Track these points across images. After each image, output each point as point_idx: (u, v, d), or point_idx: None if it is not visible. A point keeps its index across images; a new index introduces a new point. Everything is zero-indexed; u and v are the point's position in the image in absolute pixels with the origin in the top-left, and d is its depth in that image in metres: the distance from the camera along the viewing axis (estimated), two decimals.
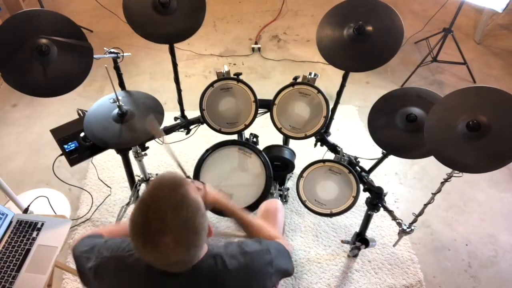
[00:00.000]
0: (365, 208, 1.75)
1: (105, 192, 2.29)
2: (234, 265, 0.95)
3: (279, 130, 1.75)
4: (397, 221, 1.61)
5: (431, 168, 2.46)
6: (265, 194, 1.68)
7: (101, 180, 2.33)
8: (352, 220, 2.19)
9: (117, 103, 1.50)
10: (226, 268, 0.94)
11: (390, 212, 1.63)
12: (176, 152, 2.50)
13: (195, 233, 0.86)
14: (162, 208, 0.83)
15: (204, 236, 0.89)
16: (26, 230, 1.52)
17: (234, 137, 1.82)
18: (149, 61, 3.27)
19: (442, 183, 1.44)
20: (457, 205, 2.31)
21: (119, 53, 1.66)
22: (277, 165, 1.91)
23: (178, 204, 0.84)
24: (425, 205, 1.55)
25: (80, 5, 3.85)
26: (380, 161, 1.75)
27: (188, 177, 1.31)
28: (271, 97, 1.73)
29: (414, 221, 1.59)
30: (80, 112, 1.74)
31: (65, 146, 1.61)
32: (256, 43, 3.44)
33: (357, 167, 1.77)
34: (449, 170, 1.34)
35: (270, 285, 1.00)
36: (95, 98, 1.70)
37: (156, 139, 1.68)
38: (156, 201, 0.84)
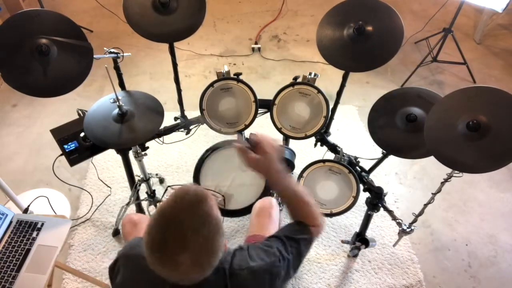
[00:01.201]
0: (365, 208, 1.75)
1: (105, 192, 2.29)
2: (235, 282, 0.92)
3: (279, 130, 1.75)
4: (397, 221, 1.61)
5: (431, 168, 2.46)
6: (265, 194, 1.68)
7: (101, 180, 2.33)
8: (352, 220, 2.19)
9: (117, 103, 1.50)
10: (226, 285, 0.92)
11: (390, 212, 1.63)
12: (176, 152, 2.51)
13: (213, 253, 0.84)
14: (184, 226, 0.80)
15: (220, 255, 0.87)
16: (26, 230, 1.52)
17: (234, 137, 1.82)
18: (149, 61, 3.27)
19: (442, 183, 1.44)
20: (457, 205, 2.31)
21: (119, 53, 1.66)
22: None
23: (200, 223, 0.81)
24: (425, 205, 1.56)
25: (80, 5, 3.85)
26: (380, 161, 1.75)
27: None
28: (271, 97, 1.73)
29: (414, 221, 1.59)
30: (80, 112, 1.74)
31: (65, 146, 1.61)
32: (256, 43, 3.44)
33: (357, 167, 1.77)
34: (449, 170, 1.34)
35: (280, 284, 0.98)
36: (95, 98, 1.70)
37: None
38: (178, 218, 0.81)
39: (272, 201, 1.57)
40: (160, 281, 0.87)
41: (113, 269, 1.03)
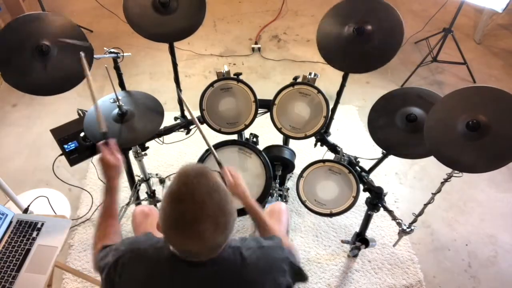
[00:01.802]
0: (365, 208, 1.75)
1: None
2: (252, 257, 0.97)
3: (279, 130, 1.75)
4: (397, 221, 1.61)
5: (431, 168, 2.47)
6: (265, 194, 1.68)
7: (101, 180, 2.31)
8: (352, 220, 2.19)
9: (117, 103, 1.50)
10: (244, 259, 0.96)
11: (390, 212, 1.63)
12: (176, 152, 2.51)
13: (230, 215, 0.88)
14: (197, 196, 0.84)
15: (235, 220, 0.91)
16: (26, 230, 1.52)
17: (234, 137, 1.82)
18: (149, 61, 3.27)
19: (442, 183, 1.44)
20: (457, 205, 2.31)
21: (119, 53, 1.66)
22: (277, 165, 1.91)
23: (210, 189, 0.86)
24: (425, 205, 1.56)
25: (80, 5, 3.85)
26: (380, 161, 1.75)
27: (219, 163, 1.37)
28: (271, 97, 1.73)
29: (414, 221, 1.59)
30: (80, 112, 1.74)
31: (65, 146, 1.61)
32: (256, 43, 3.44)
33: (357, 167, 1.77)
34: (449, 170, 1.34)
35: (284, 283, 1.01)
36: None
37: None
38: (190, 190, 0.84)
39: (282, 206, 1.58)
40: (172, 260, 0.91)
41: (115, 268, 0.99)
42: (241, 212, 1.67)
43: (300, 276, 1.09)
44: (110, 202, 1.19)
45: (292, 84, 1.69)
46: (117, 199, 1.22)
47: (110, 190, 1.20)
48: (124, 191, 2.29)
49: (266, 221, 1.24)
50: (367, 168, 1.80)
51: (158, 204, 2.17)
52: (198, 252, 0.90)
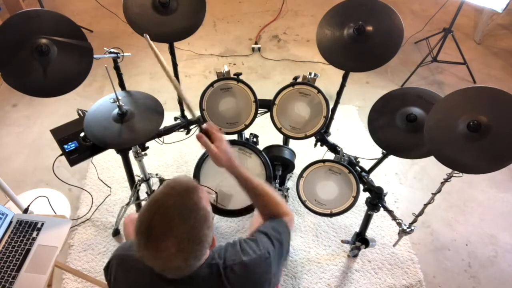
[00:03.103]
0: (365, 208, 1.75)
1: (105, 192, 2.29)
2: (231, 278, 0.92)
3: (279, 130, 1.75)
4: (397, 221, 1.61)
5: (431, 168, 2.46)
6: None
7: (101, 180, 2.33)
8: (352, 220, 2.19)
9: (117, 103, 1.50)
10: (221, 281, 0.91)
11: (390, 212, 1.63)
12: (176, 152, 2.51)
13: (198, 244, 0.85)
14: (171, 213, 0.82)
15: (206, 247, 0.88)
16: (26, 230, 1.52)
17: (234, 137, 1.82)
18: (149, 61, 3.27)
19: (442, 183, 1.44)
20: (457, 205, 2.31)
21: (119, 53, 1.66)
22: (277, 165, 1.91)
23: (187, 211, 0.83)
24: (425, 205, 1.56)
25: (80, 5, 3.85)
26: (380, 161, 1.75)
27: (199, 119, 1.19)
28: (271, 97, 1.73)
29: (414, 221, 1.59)
30: (80, 112, 1.73)
31: (65, 146, 1.61)
32: (256, 43, 3.44)
33: (357, 167, 1.77)
34: (449, 170, 1.34)
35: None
36: (95, 98, 1.70)
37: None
38: (166, 204, 0.83)
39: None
40: (155, 280, 0.88)
41: (107, 270, 1.04)
42: (242, 212, 1.68)
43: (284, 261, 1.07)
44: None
45: (292, 84, 1.69)
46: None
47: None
48: (124, 191, 2.29)
49: (266, 191, 1.10)
50: (367, 168, 1.81)
51: None
52: (158, 267, 0.86)
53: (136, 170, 1.95)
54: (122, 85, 1.81)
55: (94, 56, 1.49)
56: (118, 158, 1.83)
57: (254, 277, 0.96)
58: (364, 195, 1.71)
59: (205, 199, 0.89)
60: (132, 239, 1.16)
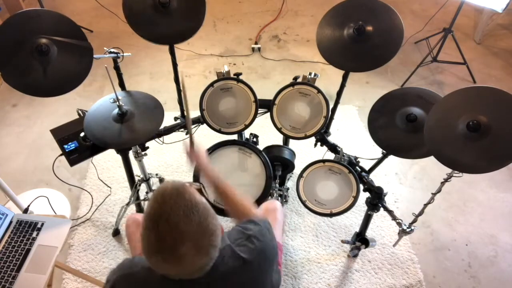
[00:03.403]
0: (365, 208, 1.75)
1: (105, 192, 2.29)
2: (245, 252, 0.96)
3: (279, 130, 1.75)
4: (397, 221, 1.61)
5: (431, 168, 2.46)
6: (265, 194, 1.68)
7: (101, 180, 2.33)
8: (352, 220, 2.19)
9: (117, 103, 1.50)
10: (240, 257, 0.95)
11: (390, 212, 1.63)
12: (176, 152, 2.51)
13: (211, 234, 0.85)
14: (173, 218, 0.81)
15: (220, 234, 0.89)
16: (26, 230, 1.52)
17: (234, 137, 1.82)
18: (149, 61, 3.27)
19: (442, 183, 1.44)
20: (457, 205, 2.31)
21: (119, 53, 1.66)
22: (277, 165, 1.91)
23: (187, 210, 0.82)
24: (425, 205, 1.55)
25: (80, 5, 3.85)
26: (380, 161, 1.75)
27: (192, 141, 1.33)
28: (271, 97, 1.73)
29: (414, 221, 1.59)
30: (80, 112, 1.73)
31: (65, 146, 1.61)
32: (256, 43, 3.44)
33: (357, 167, 1.77)
34: (449, 170, 1.34)
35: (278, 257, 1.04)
36: (95, 98, 1.70)
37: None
38: (164, 214, 0.82)
39: (277, 205, 1.58)
40: (164, 282, 0.88)
41: None
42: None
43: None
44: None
45: (292, 84, 1.69)
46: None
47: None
48: (124, 191, 2.29)
49: (236, 197, 1.20)
50: (367, 168, 1.81)
51: None
52: (185, 274, 0.87)
53: (136, 170, 1.95)
54: (122, 85, 1.81)
55: (94, 56, 1.49)
56: (118, 158, 1.83)
57: (264, 244, 1.01)
58: (364, 195, 1.71)
59: (196, 193, 0.88)
60: (134, 244, 1.16)
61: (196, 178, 1.72)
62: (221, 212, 1.66)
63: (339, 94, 1.80)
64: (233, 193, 1.21)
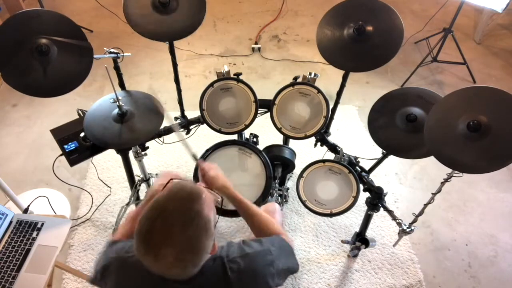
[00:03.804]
0: (365, 208, 1.75)
1: (105, 192, 2.29)
2: (234, 269, 0.94)
3: (279, 130, 1.75)
4: (397, 221, 1.61)
5: (431, 168, 2.46)
6: (265, 194, 1.68)
7: (101, 180, 2.33)
8: (352, 220, 2.19)
9: (117, 103, 1.50)
10: (226, 274, 0.93)
11: (390, 212, 1.63)
12: (176, 152, 2.51)
13: (197, 253, 0.84)
14: (170, 220, 0.81)
15: (205, 256, 0.87)
16: (26, 230, 1.52)
17: (234, 137, 1.82)
18: (149, 61, 3.27)
19: (442, 183, 1.44)
20: (457, 205, 2.31)
21: (119, 53, 1.66)
22: (277, 165, 1.91)
23: (188, 220, 0.82)
24: (425, 205, 1.55)
25: (80, 5, 3.85)
26: (380, 161, 1.75)
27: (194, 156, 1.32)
28: (271, 97, 1.73)
29: (414, 221, 1.59)
30: (80, 112, 1.74)
31: (65, 146, 1.61)
32: (256, 43, 3.44)
33: (357, 167, 1.77)
34: (449, 170, 1.34)
35: (273, 285, 0.99)
36: (95, 98, 1.70)
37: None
38: (167, 211, 0.82)
39: (275, 206, 1.58)
40: (149, 273, 0.87)
41: (102, 277, 0.99)
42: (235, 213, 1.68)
43: (290, 272, 1.07)
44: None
45: (292, 84, 1.69)
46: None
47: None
48: (124, 191, 2.29)
49: (256, 212, 1.16)
50: (367, 168, 1.81)
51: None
52: (159, 274, 0.85)
53: (136, 170, 1.95)
54: (122, 85, 1.81)
55: (94, 56, 1.49)
56: (118, 158, 1.83)
57: (257, 268, 0.97)
58: (364, 195, 1.71)
59: (208, 205, 0.87)
60: (121, 233, 1.15)
61: (196, 178, 1.72)
62: (221, 212, 1.66)
63: (339, 94, 1.80)
64: (256, 212, 1.17)
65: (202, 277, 0.90)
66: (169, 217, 0.81)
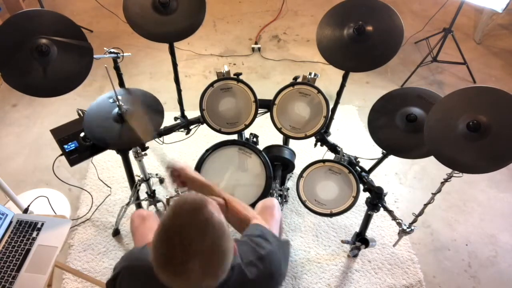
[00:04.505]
0: (365, 208, 1.75)
1: (105, 192, 2.29)
2: (254, 273, 0.95)
3: (279, 130, 1.75)
4: (397, 221, 1.61)
5: (431, 168, 2.46)
6: (265, 194, 1.68)
7: (101, 180, 2.33)
8: (352, 220, 2.19)
9: (117, 103, 1.50)
10: (247, 278, 0.93)
11: (390, 212, 1.63)
12: (176, 152, 2.51)
13: (222, 257, 0.83)
14: (186, 236, 0.79)
15: (231, 257, 0.86)
16: (26, 230, 1.52)
17: (234, 137, 1.82)
18: (149, 61, 3.27)
19: (442, 183, 1.44)
20: (457, 205, 2.31)
21: (119, 53, 1.66)
22: (277, 165, 1.91)
23: (201, 230, 0.81)
24: (425, 205, 1.55)
25: (80, 5, 3.85)
26: (380, 161, 1.75)
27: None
28: (271, 97, 1.73)
29: (414, 221, 1.59)
30: (80, 112, 1.74)
31: (65, 146, 1.61)
32: (256, 43, 3.44)
33: (357, 167, 1.77)
34: (449, 170, 1.34)
35: (283, 279, 1.02)
36: (95, 98, 1.70)
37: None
38: (178, 228, 0.80)
39: (274, 202, 1.58)
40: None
41: (114, 284, 1.00)
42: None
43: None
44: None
45: (292, 84, 1.69)
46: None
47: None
48: (124, 191, 2.29)
49: (232, 199, 1.19)
50: (367, 168, 1.81)
51: (158, 204, 2.17)
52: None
53: (136, 170, 1.95)
54: (122, 85, 1.81)
55: (94, 56, 1.49)
56: (118, 158, 1.83)
57: (273, 270, 0.99)
58: (364, 195, 1.71)
59: (216, 211, 0.86)
60: (138, 238, 1.15)
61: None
62: None
63: (339, 94, 1.80)
64: (234, 200, 1.19)
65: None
66: (182, 234, 0.79)
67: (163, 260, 0.80)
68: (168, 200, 2.02)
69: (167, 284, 0.82)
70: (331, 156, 1.81)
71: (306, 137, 1.73)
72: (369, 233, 2.02)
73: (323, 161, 1.70)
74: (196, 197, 0.86)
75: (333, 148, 1.84)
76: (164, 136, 1.90)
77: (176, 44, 1.70)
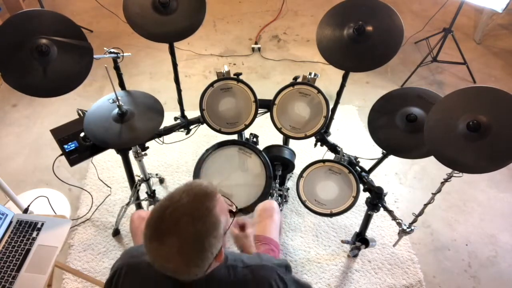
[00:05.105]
0: (365, 208, 1.75)
1: (105, 192, 2.29)
2: (253, 276, 0.96)
3: (279, 130, 1.75)
4: (397, 221, 1.61)
5: (431, 168, 2.46)
6: (265, 194, 1.68)
7: (101, 180, 2.33)
8: (352, 220, 2.19)
9: (117, 103, 1.50)
10: (244, 279, 0.94)
11: (390, 212, 1.63)
12: (176, 152, 2.51)
13: (200, 250, 0.83)
14: (181, 210, 0.82)
15: (210, 258, 0.85)
16: (26, 230, 1.52)
17: (234, 137, 1.82)
18: (149, 61, 3.27)
19: (442, 183, 1.44)
20: (457, 205, 2.31)
21: (119, 53, 1.66)
22: (277, 165, 1.91)
23: (198, 214, 0.82)
24: (425, 205, 1.55)
25: (80, 5, 3.85)
26: (380, 161, 1.75)
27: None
28: (271, 97, 1.73)
29: (414, 221, 1.59)
30: (80, 112, 1.74)
31: (65, 146, 1.61)
32: (256, 43, 3.44)
33: (357, 167, 1.77)
34: (449, 170, 1.34)
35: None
36: (95, 98, 1.70)
37: None
38: (180, 202, 0.83)
39: (274, 205, 1.58)
40: (159, 277, 0.87)
41: (111, 282, 1.00)
42: (242, 212, 1.69)
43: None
44: None
45: (292, 84, 1.69)
46: None
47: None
48: (124, 191, 2.29)
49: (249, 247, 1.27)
50: (367, 168, 1.80)
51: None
52: (160, 267, 0.84)
53: (136, 170, 1.95)
54: (122, 85, 1.81)
55: (94, 56, 1.49)
56: (118, 158, 1.83)
57: (262, 278, 0.98)
58: (364, 195, 1.71)
59: (221, 207, 0.87)
60: (138, 239, 1.16)
61: (196, 176, 1.72)
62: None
63: (339, 94, 1.80)
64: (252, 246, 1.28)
65: (214, 281, 0.91)
66: (180, 208, 0.82)
67: (152, 221, 0.83)
68: None
69: (146, 249, 0.84)
70: (331, 156, 1.81)
71: (306, 137, 1.73)
72: (369, 233, 2.02)
73: (323, 161, 1.70)
74: (211, 187, 0.88)
75: (333, 148, 1.84)
76: (164, 136, 1.89)
77: (176, 44, 1.70)
